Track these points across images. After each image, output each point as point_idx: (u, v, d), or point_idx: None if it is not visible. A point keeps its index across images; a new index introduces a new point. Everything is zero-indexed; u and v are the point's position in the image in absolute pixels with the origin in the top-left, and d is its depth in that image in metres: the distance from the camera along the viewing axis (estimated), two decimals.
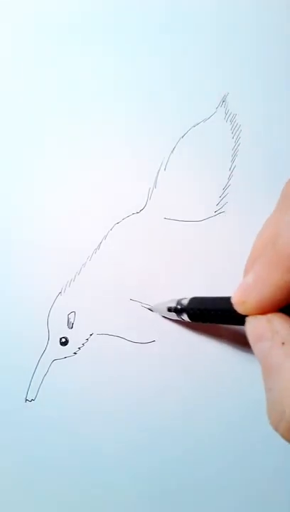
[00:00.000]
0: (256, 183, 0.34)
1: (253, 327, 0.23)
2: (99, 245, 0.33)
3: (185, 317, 0.30)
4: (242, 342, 0.32)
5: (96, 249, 0.33)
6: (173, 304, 0.31)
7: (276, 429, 0.20)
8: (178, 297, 0.31)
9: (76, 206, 0.34)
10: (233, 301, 0.24)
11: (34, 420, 0.32)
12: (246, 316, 0.23)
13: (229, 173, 0.34)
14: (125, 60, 0.35)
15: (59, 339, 0.32)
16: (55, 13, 0.35)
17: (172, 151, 0.34)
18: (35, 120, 0.34)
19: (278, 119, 0.35)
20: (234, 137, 0.34)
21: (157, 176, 0.34)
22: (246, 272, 0.25)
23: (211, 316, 0.28)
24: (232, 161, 0.34)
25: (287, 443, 0.20)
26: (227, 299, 0.26)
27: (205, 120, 0.34)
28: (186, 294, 0.33)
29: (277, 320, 0.22)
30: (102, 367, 0.32)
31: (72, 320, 0.32)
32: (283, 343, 0.21)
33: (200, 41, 0.35)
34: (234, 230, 0.33)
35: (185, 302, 0.30)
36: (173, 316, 0.31)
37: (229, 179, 0.34)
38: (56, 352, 0.32)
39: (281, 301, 0.22)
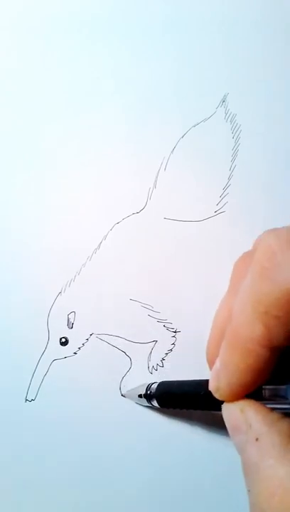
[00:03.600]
0: (256, 183, 0.34)
1: (229, 416, 0.22)
2: (99, 245, 0.33)
3: (155, 403, 0.30)
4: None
5: (96, 249, 0.33)
6: (142, 391, 0.30)
7: None
8: (149, 381, 0.30)
9: (76, 206, 0.34)
10: (210, 387, 0.23)
11: (34, 420, 0.32)
12: (222, 402, 0.22)
13: (229, 173, 0.34)
14: (125, 61, 0.35)
15: (59, 339, 0.32)
16: (55, 12, 0.35)
17: (172, 151, 0.34)
18: (35, 120, 0.34)
19: (278, 119, 0.35)
20: (234, 137, 0.34)
21: (157, 176, 0.34)
22: (207, 353, 0.25)
23: (181, 401, 0.28)
24: (232, 161, 0.34)
25: None
26: (197, 383, 0.25)
27: (205, 120, 0.34)
28: (186, 294, 0.33)
29: (250, 411, 0.21)
30: (102, 367, 0.32)
31: (72, 320, 0.32)
32: (256, 439, 0.20)
33: (200, 41, 0.35)
34: (234, 230, 0.33)
35: (154, 387, 0.30)
36: (144, 402, 0.30)
37: (229, 179, 0.34)
38: (56, 352, 0.32)
39: (249, 384, 0.21)
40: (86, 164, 0.34)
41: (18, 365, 0.32)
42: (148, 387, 0.30)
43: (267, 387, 0.22)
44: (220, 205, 0.34)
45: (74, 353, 0.32)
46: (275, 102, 0.35)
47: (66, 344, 0.32)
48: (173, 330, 0.32)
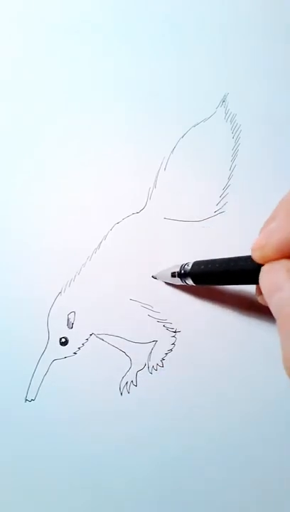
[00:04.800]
0: (256, 183, 0.34)
1: (270, 277, 0.22)
2: (99, 245, 0.33)
3: (189, 281, 0.30)
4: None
5: (96, 249, 0.33)
6: (176, 269, 0.31)
7: None
8: (181, 263, 0.31)
9: (76, 206, 0.34)
10: (252, 247, 0.23)
11: (34, 420, 0.32)
12: (260, 268, 0.23)
13: (229, 173, 0.34)
14: (125, 61, 0.35)
15: (59, 339, 0.32)
16: (55, 13, 0.35)
17: (172, 151, 0.34)
18: (35, 121, 0.34)
19: (278, 118, 0.35)
20: (234, 137, 0.34)
21: (157, 176, 0.34)
22: (263, 228, 0.25)
23: (216, 277, 0.28)
24: (232, 160, 0.34)
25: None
26: (233, 259, 0.26)
27: (205, 120, 0.34)
28: (186, 294, 0.33)
29: None
30: (102, 367, 0.32)
31: (72, 320, 0.32)
32: None
33: (200, 42, 0.35)
34: (234, 230, 0.33)
35: (188, 266, 0.30)
36: (177, 281, 0.31)
37: (229, 179, 0.34)
38: (56, 352, 0.32)
39: None
40: (86, 164, 0.34)
41: (18, 365, 0.32)
42: (182, 267, 0.31)
43: None
44: (220, 205, 0.34)
45: (74, 353, 0.32)
46: (275, 102, 0.35)
47: (66, 344, 0.32)
48: (173, 330, 0.32)
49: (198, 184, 0.34)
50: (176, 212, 0.33)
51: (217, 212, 0.34)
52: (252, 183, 0.34)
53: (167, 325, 0.32)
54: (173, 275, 0.31)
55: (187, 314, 0.33)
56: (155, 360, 0.32)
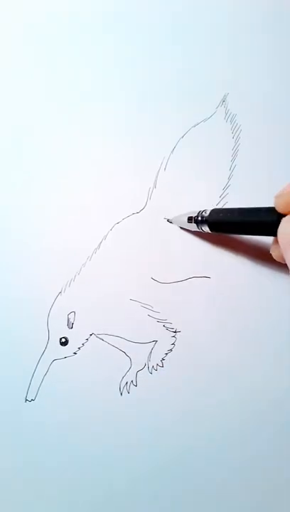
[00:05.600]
0: (256, 183, 0.34)
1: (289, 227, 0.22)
2: (99, 245, 0.33)
3: (205, 228, 0.30)
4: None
5: (96, 249, 0.33)
6: (193, 215, 0.31)
7: None
8: (198, 209, 0.31)
9: (76, 206, 0.34)
10: (276, 194, 0.23)
11: (34, 420, 0.32)
12: (280, 220, 0.23)
13: (229, 173, 0.34)
14: (125, 61, 0.35)
15: (59, 339, 0.32)
16: (55, 12, 0.35)
17: (172, 151, 0.34)
18: (35, 121, 0.34)
19: (278, 119, 0.35)
20: (234, 137, 0.34)
21: (157, 176, 0.34)
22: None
23: (234, 225, 0.28)
24: (232, 160, 0.34)
25: None
26: (253, 210, 0.26)
27: (205, 120, 0.34)
28: (186, 294, 0.33)
29: None
30: (102, 367, 0.32)
31: (72, 320, 0.32)
32: None
33: (200, 42, 0.35)
34: None
35: (206, 213, 0.30)
36: (193, 227, 0.31)
37: (229, 179, 0.34)
38: (56, 352, 0.32)
39: None
40: (86, 164, 0.34)
41: (18, 365, 0.32)
42: (200, 213, 0.30)
43: None
44: (220, 205, 0.34)
45: (74, 353, 0.32)
46: (275, 102, 0.35)
47: (66, 344, 0.32)
48: (173, 330, 0.32)
49: (198, 184, 0.34)
50: (176, 212, 0.33)
51: None
52: (252, 183, 0.34)
53: (167, 325, 0.32)
54: (190, 220, 0.31)
55: (187, 314, 0.33)
56: (155, 360, 0.32)
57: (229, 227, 0.29)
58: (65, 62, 0.35)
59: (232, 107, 0.35)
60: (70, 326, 0.32)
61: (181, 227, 0.32)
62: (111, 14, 0.35)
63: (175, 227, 0.33)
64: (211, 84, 0.35)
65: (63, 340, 0.32)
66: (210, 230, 0.30)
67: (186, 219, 0.31)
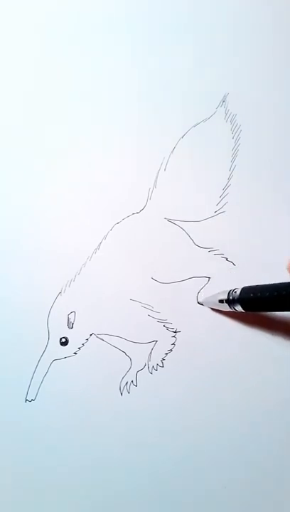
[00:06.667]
0: (256, 183, 0.34)
1: None
2: (99, 245, 0.33)
3: (238, 308, 0.30)
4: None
5: (96, 249, 0.33)
6: (224, 296, 0.31)
7: None
8: (227, 289, 0.31)
9: (76, 206, 0.34)
10: (287, 263, 0.23)
11: (34, 420, 0.32)
12: None
13: (229, 173, 0.34)
14: (125, 61, 0.35)
15: (59, 339, 0.32)
16: (55, 11, 0.35)
17: (172, 151, 0.34)
18: (35, 121, 0.34)
19: (278, 119, 0.35)
20: (234, 137, 0.34)
21: (157, 176, 0.34)
22: None
23: (268, 303, 0.28)
24: (232, 161, 0.34)
25: None
26: (284, 285, 0.26)
27: (205, 120, 0.34)
28: (186, 294, 0.33)
29: None
30: (102, 367, 0.32)
31: (72, 320, 0.32)
32: None
33: (200, 41, 0.35)
34: (234, 230, 0.33)
35: (237, 292, 0.30)
36: (225, 307, 0.31)
37: (229, 179, 0.34)
38: (56, 352, 0.32)
39: None
40: (86, 164, 0.34)
41: (18, 365, 0.32)
42: (230, 293, 0.31)
43: None
44: (220, 205, 0.34)
45: (74, 353, 0.32)
46: (275, 102, 0.35)
47: (66, 344, 0.32)
48: (173, 330, 0.32)
49: (198, 184, 0.34)
50: (176, 212, 0.33)
51: (217, 213, 0.34)
52: (252, 183, 0.34)
53: (167, 325, 0.32)
54: (221, 301, 0.31)
55: (187, 314, 0.33)
56: (155, 360, 0.32)
57: (263, 305, 0.29)
58: (65, 62, 0.35)
59: (232, 107, 0.35)
60: (70, 326, 0.32)
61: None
62: (111, 14, 0.35)
63: (175, 228, 0.33)
64: (211, 84, 0.35)
65: (63, 340, 0.32)
66: (243, 310, 0.30)
67: (217, 300, 0.31)
